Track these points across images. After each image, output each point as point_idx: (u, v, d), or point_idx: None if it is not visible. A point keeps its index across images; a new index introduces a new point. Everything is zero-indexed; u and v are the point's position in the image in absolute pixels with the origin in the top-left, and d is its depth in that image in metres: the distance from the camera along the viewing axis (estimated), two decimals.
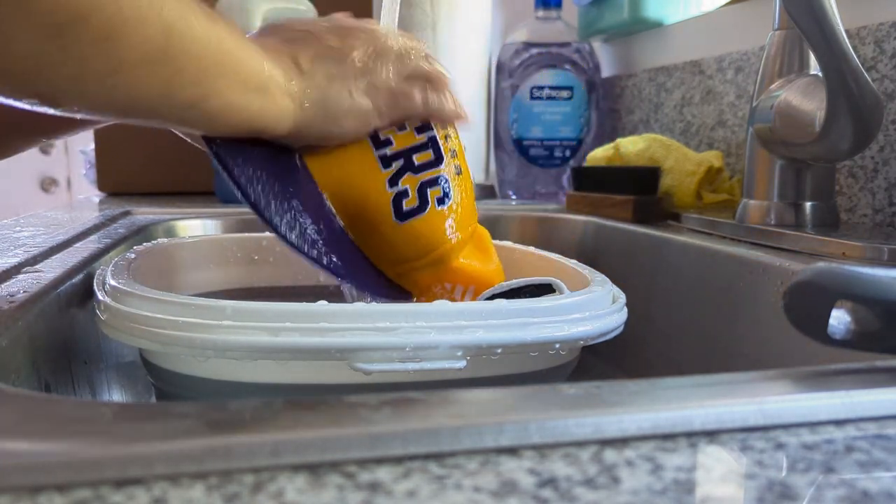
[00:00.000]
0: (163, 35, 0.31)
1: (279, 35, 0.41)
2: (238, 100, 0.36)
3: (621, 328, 0.39)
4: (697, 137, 0.85)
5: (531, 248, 0.55)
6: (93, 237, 0.58)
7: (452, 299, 0.45)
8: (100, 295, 0.37)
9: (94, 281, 0.40)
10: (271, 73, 0.38)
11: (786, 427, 0.22)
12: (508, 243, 0.57)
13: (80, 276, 0.44)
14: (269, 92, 0.37)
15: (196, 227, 0.73)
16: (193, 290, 0.52)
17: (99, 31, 0.29)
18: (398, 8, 0.45)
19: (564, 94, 0.99)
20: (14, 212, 0.76)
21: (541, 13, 1.01)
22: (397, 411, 0.21)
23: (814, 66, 0.54)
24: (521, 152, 1.01)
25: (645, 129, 0.96)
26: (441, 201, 0.43)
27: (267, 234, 0.46)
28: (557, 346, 0.36)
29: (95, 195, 1.07)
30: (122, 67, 0.30)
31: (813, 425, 0.23)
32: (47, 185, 2.55)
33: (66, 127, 0.47)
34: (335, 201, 0.43)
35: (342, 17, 0.44)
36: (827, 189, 0.56)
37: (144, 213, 0.77)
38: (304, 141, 0.42)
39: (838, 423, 0.23)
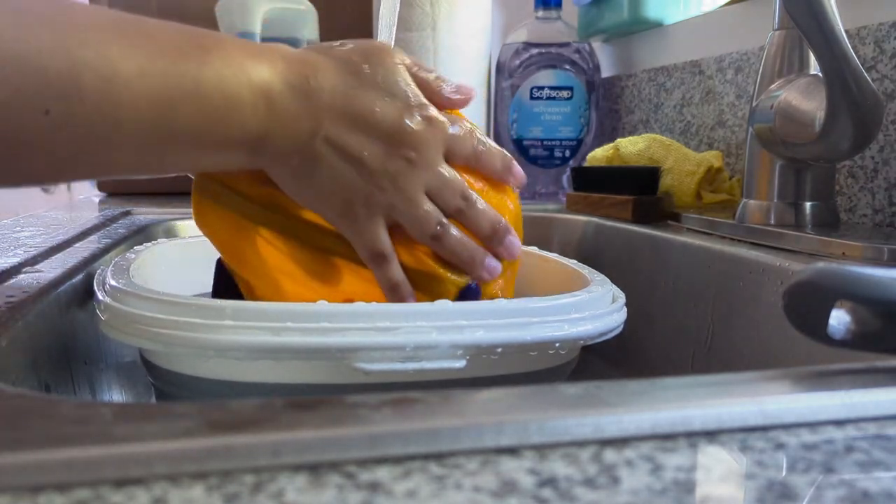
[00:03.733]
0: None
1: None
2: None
3: (621, 328, 0.39)
4: (697, 137, 0.85)
5: (531, 248, 0.55)
6: (93, 237, 0.58)
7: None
8: (100, 295, 0.37)
9: (95, 281, 0.40)
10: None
11: (786, 427, 0.22)
12: None
13: (80, 276, 0.44)
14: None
15: (196, 227, 0.73)
16: (194, 291, 0.53)
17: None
18: (398, 8, 0.45)
19: (564, 94, 0.99)
20: (14, 212, 0.76)
21: (541, 13, 1.01)
22: (397, 411, 0.21)
23: (814, 66, 0.54)
24: (521, 152, 1.01)
25: (645, 129, 0.96)
26: None
27: None
28: (557, 345, 0.36)
29: (95, 195, 1.07)
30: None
31: (813, 425, 0.23)
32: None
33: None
34: None
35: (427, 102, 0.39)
36: (827, 189, 0.56)
37: (144, 213, 0.77)
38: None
39: (838, 423, 0.23)
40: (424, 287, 0.40)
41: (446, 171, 0.39)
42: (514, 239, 0.41)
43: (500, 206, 0.41)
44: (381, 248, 0.38)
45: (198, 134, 0.34)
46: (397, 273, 0.39)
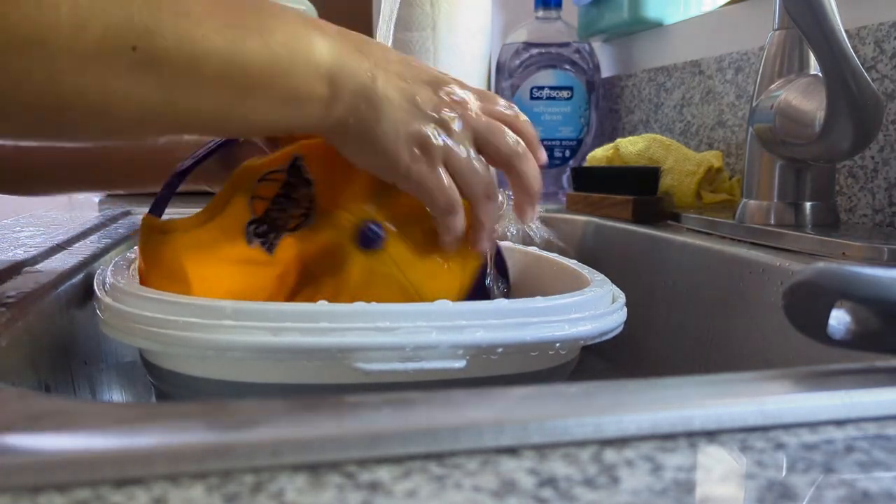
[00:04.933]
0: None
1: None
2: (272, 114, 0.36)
3: (621, 328, 0.39)
4: (697, 137, 0.85)
5: (531, 249, 0.55)
6: (93, 237, 0.58)
7: None
8: (100, 295, 0.37)
9: (95, 281, 0.40)
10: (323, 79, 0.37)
11: (786, 427, 0.22)
12: (509, 243, 0.57)
13: (80, 276, 0.44)
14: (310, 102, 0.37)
15: None
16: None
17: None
18: (397, 8, 0.45)
19: (564, 94, 0.99)
20: (14, 212, 0.76)
21: (541, 13, 1.01)
22: (397, 411, 0.21)
23: (814, 66, 0.54)
24: None
25: (645, 129, 0.96)
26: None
27: None
28: (557, 345, 0.36)
29: (95, 195, 1.07)
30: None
31: (813, 425, 0.23)
32: None
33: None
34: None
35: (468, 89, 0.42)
36: (827, 189, 0.56)
37: (144, 213, 0.77)
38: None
39: (838, 423, 0.23)
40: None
41: (491, 121, 0.41)
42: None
43: None
44: (454, 199, 0.40)
45: (272, 79, 0.35)
46: (462, 224, 0.41)
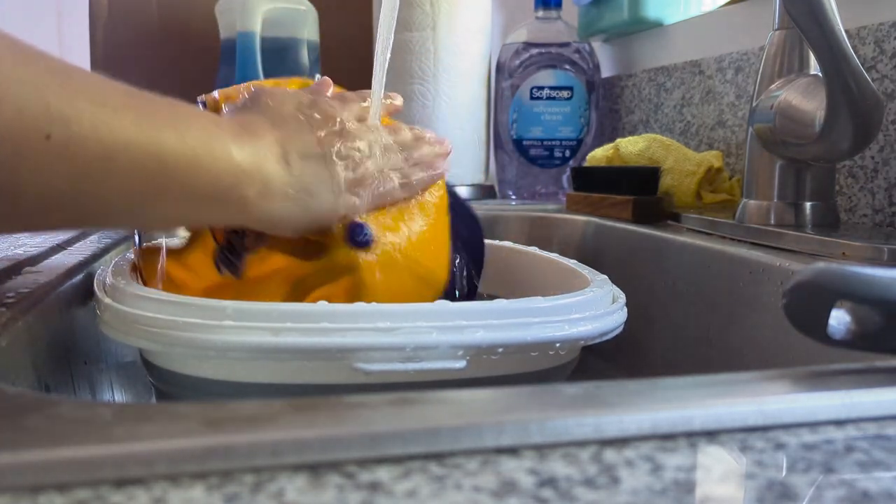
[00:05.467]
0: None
1: (266, 114, 0.40)
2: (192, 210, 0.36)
3: (621, 328, 0.39)
4: (697, 137, 0.85)
5: (531, 249, 0.55)
6: (93, 237, 0.58)
7: None
8: (100, 295, 0.37)
9: (95, 281, 0.40)
10: (243, 173, 0.36)
11: (786, 427, 0.22)
12: (509, 243, 0.57)
13: (80, 276, 0.44)
14: (235, 198, 0.36)
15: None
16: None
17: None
18: (397, 8, 0.45)
19: (564, 94, 0.99)
20: None
21: (541, 13, 1.01)
22: (397, 411, 0.21)
23: (814, 66, 0.54)
24: (521, 152, 1.01)
25: (645, 129, 0.96)
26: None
27: None
28: (557, 345, 0.36)
29: None
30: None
31: (813, 425, 0.23)
32: None
33: None
34: None
35: (329, 96, 0.43)
36: (827, 189, 0.56)
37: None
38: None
39: (838, 423, 0.23)
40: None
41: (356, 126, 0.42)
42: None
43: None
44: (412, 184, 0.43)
45: (188, 173, 0.34)
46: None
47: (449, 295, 0.45)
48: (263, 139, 0.37)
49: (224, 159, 0.35)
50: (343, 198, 0.40)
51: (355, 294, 0.41)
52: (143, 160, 0.32)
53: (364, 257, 0.41)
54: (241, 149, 0.36)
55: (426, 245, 0.44)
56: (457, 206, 0.48)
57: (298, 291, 0.41)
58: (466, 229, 0.49)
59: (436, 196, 0.45)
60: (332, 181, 0.39)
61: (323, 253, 0.41)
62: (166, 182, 0.33)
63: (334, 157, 0.39)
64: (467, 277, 0.48)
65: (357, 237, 0.41)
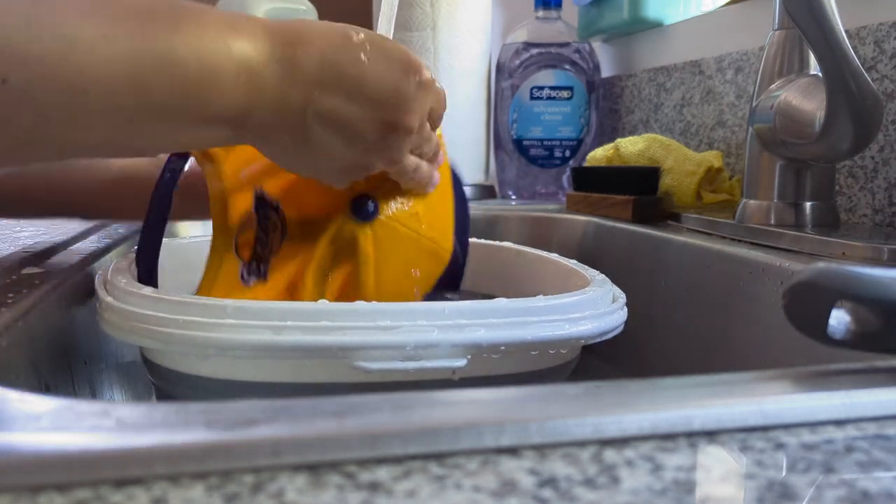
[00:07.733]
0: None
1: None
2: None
3: (621, 328, 0.39)
4: (697, 137, 0.85)
5: (531, 249, 0.55)
6: (93, 237, 0.58)
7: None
8: (101, 294, 0.37)
9: (96, 280, 0.40)
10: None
11: (786, 427, 0.22)
12: (508, 244, 0.57)
13: (80, 276, 0.44)
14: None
15: (196, 226, 0.73)
16: (194, 290, 0.52)
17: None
18: (396, 7, 0.45)
19: (564, 94, 0.99)
20: None
21: (541, 13, 1.01)
22: (397, 411, 0.21)
23: (814, 66, 0.54)
24: (521, 152, 1.01)
25: (645, 129, 0.96)
26: None
27: None
28: (558, 345, 0.36)
29: None
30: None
31: (813, 425, 0.23)
32: None
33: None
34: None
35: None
36: (827, 189, 0.56)
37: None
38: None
39: (838, 423, 0.23)
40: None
41: (427, 130, 0.41)
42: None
43: None
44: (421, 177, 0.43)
45: (173, 107, 0.31)
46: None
47: (452, 269, 0.45)
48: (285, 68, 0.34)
49: (220, 78, 0.32)
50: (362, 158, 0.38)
51: (364, 268, 0.41)
52: (120, 100, 0.30)
53: (368, 229, 0.42)
54: (252, 52, 0.33)
55: (431, 217, 0.44)
56: (456, 184, 0.49)
57: (318, 276, 0.42)
58: (460, 208, 0.49)
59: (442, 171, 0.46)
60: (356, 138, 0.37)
61: (329, 228, 0.42)
62: (149, 118, 0.31)
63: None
64: (462, 255, 0.49)
65: (361, 210, 0.42)
